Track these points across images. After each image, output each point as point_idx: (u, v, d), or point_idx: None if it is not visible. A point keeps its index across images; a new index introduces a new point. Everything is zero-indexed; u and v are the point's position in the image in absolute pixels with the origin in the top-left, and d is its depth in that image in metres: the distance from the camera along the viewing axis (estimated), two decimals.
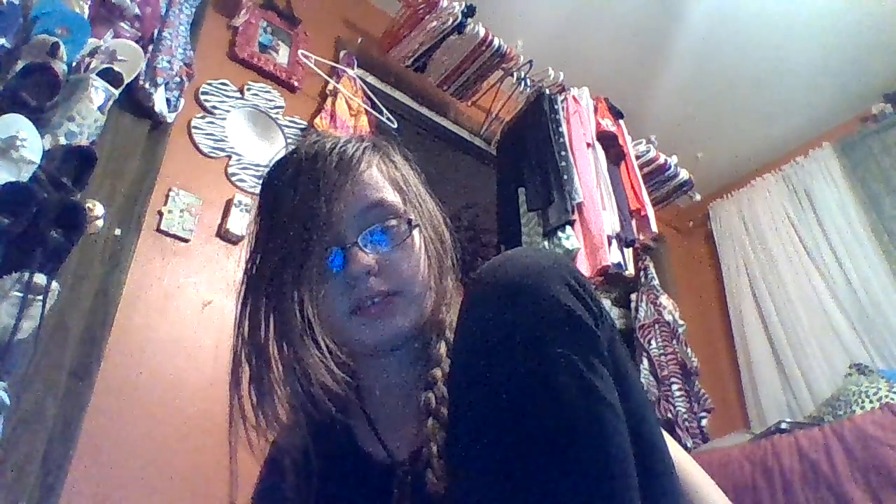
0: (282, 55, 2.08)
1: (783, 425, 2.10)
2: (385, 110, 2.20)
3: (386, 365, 0.64)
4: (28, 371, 1.16)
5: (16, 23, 1.19)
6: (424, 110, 2.53)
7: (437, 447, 0.53)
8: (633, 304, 2.77)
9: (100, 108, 1.27)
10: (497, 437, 0.44)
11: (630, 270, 2.12)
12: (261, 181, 0.68)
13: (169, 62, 1.59)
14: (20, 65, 1.16)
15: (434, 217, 0.69)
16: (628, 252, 2.14)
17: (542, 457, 0.42)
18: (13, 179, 1.05)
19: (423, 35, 2.17)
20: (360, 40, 2.30)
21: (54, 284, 1.06)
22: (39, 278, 1.02)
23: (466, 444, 0.47)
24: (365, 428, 0.65)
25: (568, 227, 1.93)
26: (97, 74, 1.29)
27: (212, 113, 1.82)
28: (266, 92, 1.97)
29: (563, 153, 2.09)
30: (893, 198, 2.72)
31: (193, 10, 1.74)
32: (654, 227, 2.30)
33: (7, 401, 0.98)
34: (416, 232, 0.63)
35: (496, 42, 2.20)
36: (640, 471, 0.44)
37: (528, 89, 2.36)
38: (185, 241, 1.63)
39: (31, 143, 1.09)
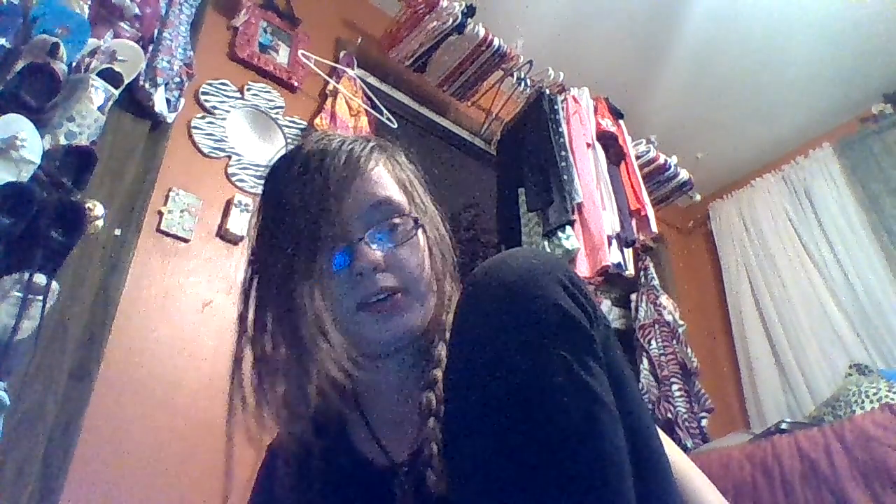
0: (282, 55, 2.08)
1: (783, 425, 2.09)
2: (385, 110, 2.20)
3: (386, 367, 0.64)
4: (28, 371, 1.17)
5: (16, 23, 1.19)
6: (424, 110, 2.53)
7: (437, 447, 0.53)
8: (633, 304, 2.77)
9: (100, 109, 1.27)
10: (492, 438, 0.44)
11: (630, 270, 2.12)
12: (264, 177, 0.67)
13: (169, 62, 1.59)
14: (20, 65, 1.16)
15: (435, 219, 0.69)
16: (628, 252, 2.14)
17: (537, 456, 0.42)
18: (13, 179, 1.05)
19: (423, 35, 2.17)
20: (360, 40, 2.30)
21: (54, 284, 1.06)
22: (39, 278, 1.03)
23: (461, 445, 0.47)
24: (361, 431, 0.65)
25: (568, 228, 1.93)
26: (97, 74, 1.29)
27: (212, 113, 1.82)
28: (266, 92, 1.97)
29: (563, 153, 2.09)
30: (893, 198, 2.71)
31: (193, 10, 1.74)
32: (654, 227, 2.30)
33: (7, 401, 0.99)
34: (420, 231, 0.63)
35: (496, 42, 2.20)
36: (635, 471, 0.44)
37: (528, 89, 2.36)
38: (185, 241, 1.63)
39: (31, 144, 1.09)
